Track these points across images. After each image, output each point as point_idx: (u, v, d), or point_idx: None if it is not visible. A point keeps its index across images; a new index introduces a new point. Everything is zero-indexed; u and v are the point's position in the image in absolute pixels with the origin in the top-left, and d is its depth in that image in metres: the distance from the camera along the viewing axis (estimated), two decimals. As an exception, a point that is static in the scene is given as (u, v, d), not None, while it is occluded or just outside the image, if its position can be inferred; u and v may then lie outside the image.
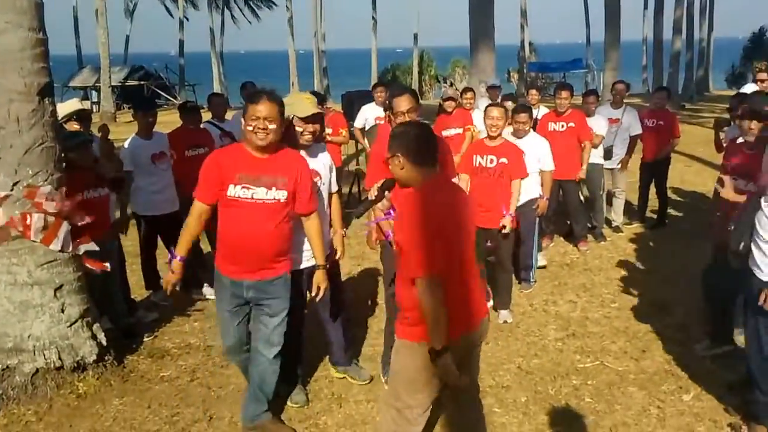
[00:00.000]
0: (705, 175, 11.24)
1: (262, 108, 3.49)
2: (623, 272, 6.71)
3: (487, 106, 5.75)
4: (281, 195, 3.61)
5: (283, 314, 3.78)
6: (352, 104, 10.26)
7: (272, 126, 3.51)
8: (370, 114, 8.54)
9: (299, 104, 3.85)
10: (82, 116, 5.57)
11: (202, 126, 6.63)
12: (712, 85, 33.55)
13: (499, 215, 5.33)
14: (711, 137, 7.86)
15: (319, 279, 3.91)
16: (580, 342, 5.09)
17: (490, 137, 5.48)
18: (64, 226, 4.37)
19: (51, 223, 4.30)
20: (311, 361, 4.76)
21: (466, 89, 8.85)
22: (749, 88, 7.82)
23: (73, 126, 5.44)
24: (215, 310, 5.93)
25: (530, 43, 41.26)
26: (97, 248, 4.60)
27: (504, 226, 5.31)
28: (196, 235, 3.81)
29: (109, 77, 26.56)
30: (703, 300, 4.97)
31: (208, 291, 6.38)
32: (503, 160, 5.35)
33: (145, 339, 5.31)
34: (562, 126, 7.10)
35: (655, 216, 8.43)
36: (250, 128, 3.51)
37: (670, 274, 6.54)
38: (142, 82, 34.58)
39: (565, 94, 7.20)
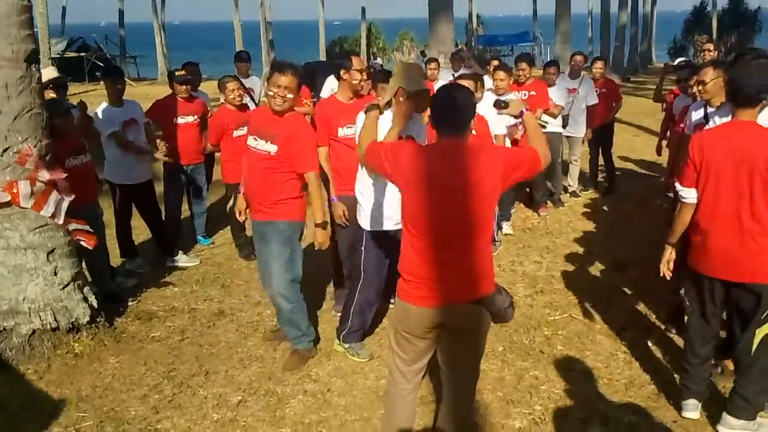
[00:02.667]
0: (652, 144, 11.66)
1: (285, 79, 3.98)
2: (582, 235, 7.11)
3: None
4: (272, 148, 4.11)
5: (279, 260, 4.21)
6: (313, 75, 10.33)
7: (290, 95, 4.03)
8: (335, 85, 8.64)
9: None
10: (59, 84, 5.58)
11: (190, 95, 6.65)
12: (654, 58, 34.58)
13: None
14: (656, 108, 8.33)
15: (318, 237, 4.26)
16: (548, 298, 5.45)
17: None
18: (54, 194, 4.43)
19: (40, 190, 4.37)
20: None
21: (431, 60, 9.06)
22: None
23: (50, 94, 5.44)
24: (193, 276, 6.15)
25: (477, 16, 41.55)
26: (86, 228, 4.69)
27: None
28: None
29: (49, 49, 25.62)
30: None
31: (182, 259, 6.49)
32: None
33: (130, 303, 5.43)
34: (524, 95, 7.40)
35: (605, 183, 8.90)
36: (271, 94, 4.01)
37: (624, 235, 6.97)
38: (81, 54, 33.39)
39: (524, 65, 7.45)
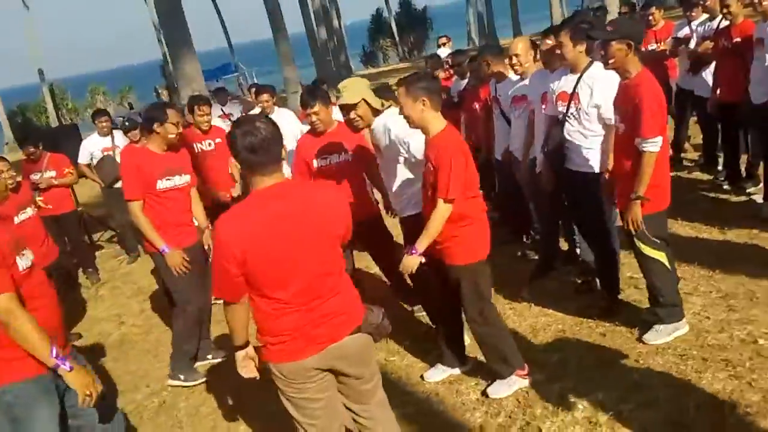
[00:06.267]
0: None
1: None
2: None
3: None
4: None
5: None
6: (57, 144, 9.27)
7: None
8: (94, 147, 8.00)
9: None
10: None
11: None
12: (353, 67, 37.22)
13: None
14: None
15: None
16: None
17: None
18: None
19: None
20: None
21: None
22: (443, 52, 9.54)
23: None
24: None
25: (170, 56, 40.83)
26: None
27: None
28: None
29: None
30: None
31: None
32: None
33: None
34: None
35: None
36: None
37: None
38: None
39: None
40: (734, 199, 6.06)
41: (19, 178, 6.06)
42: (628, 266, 4.77)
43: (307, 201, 2.67)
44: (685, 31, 6.70)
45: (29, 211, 5.78)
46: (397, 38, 37.22)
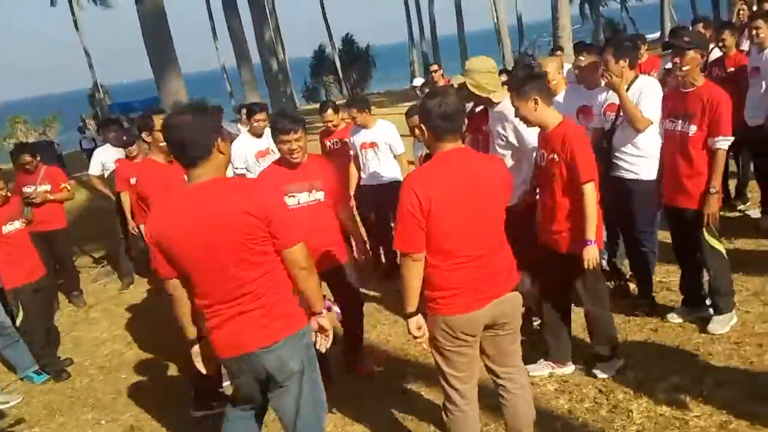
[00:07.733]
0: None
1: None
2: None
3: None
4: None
5: None
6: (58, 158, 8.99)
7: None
8: (107, 158, 7.73)
9: None
10: None
11: None
12: (297, 102, 37.39)
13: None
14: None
15: None
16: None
17: None
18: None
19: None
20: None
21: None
22: (418, 81, 9.80)
23: None
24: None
25: (101, 85, 40.06)
26: None
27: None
28: None
29: None
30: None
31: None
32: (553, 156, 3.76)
33: None
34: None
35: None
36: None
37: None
38: None
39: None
40: (729, 214, 6.48)
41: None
42: (656, 272, 5.09)
43: (483, 164, 2.99)
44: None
45: (17, 224, 5.62)
46: (340, 74, 37.67)
